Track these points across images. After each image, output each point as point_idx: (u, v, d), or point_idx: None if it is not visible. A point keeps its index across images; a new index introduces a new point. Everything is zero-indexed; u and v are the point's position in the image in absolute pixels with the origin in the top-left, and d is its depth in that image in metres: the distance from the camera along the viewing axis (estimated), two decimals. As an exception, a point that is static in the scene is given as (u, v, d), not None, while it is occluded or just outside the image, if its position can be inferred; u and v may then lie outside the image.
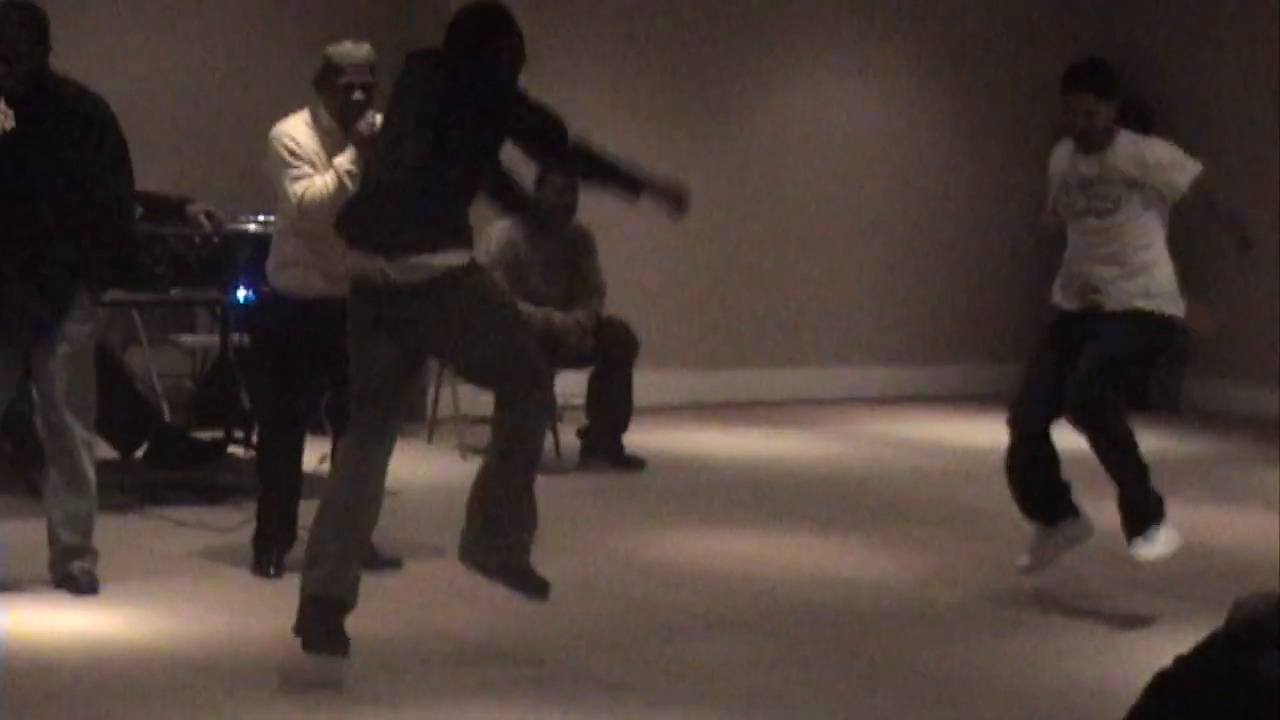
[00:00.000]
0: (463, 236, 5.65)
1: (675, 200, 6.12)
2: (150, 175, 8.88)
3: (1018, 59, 12.63)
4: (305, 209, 6.81)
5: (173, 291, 8.25)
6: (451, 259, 5.56)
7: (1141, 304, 6.68)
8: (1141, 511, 6.63)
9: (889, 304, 12.47)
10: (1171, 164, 6.74)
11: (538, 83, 10.89)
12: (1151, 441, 7.25)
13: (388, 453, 5.79)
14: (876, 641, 6.40)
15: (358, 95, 6.86)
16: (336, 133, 6.87)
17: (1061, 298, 6.88)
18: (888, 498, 8.98)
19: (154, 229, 8.13)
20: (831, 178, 12.12)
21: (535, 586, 5.87)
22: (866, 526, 8.30)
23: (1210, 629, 2.96)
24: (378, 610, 6.43)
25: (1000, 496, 6.95)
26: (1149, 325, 6.71)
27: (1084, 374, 6.58)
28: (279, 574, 6.85)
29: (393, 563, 7.10)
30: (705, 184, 11.68)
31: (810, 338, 12.16)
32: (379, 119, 6.45)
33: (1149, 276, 6.71)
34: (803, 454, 10.18)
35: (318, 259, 6.80)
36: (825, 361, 12.23)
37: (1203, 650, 2.86)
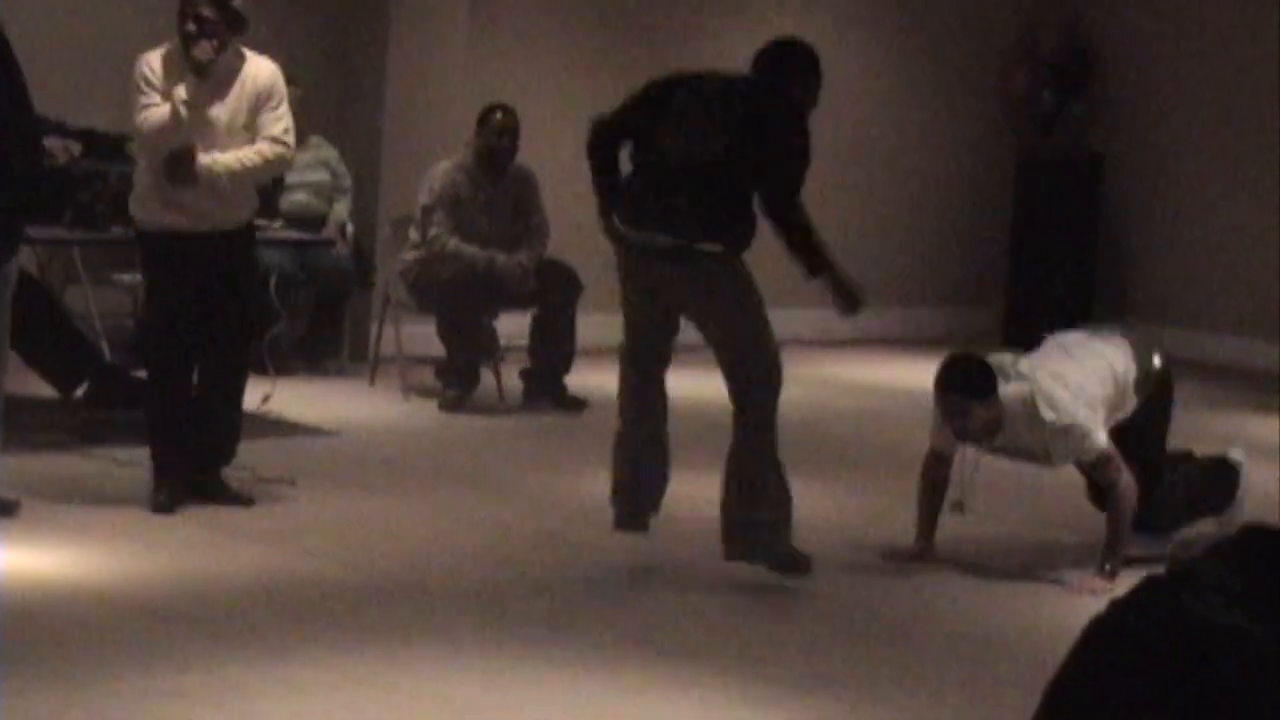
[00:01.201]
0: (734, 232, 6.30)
1: (848, 301, 6.73)
2: (92, 114, 8.73)
3: (966, 7, 12.53)
4: (143, 139, 6.91)
5: (113, 230, 8.09)
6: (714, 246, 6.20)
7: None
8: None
9: (843, 245, 12.30)
10: (1069, 447, 6.40)
11: (490, 41, 10.83)
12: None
13: (661, 393, 6.56)
14: (824, 583, 6.32)
15: (190, 27, 6.85)
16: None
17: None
18: (831, 440, 8.92)
19: (94, 167, 8.02)
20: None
21: (798, 566, 6.17)
22: (810, 469, 8.20)
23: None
24: (317, 550, 6.33)
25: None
26: None
27: None
28: (172, 511, 6.71)
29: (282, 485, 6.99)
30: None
31: (759, 278, 12.01)
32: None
33: None
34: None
35: (169, 193, 6.74)
36: (775, 302, 12.07)
37: (1138, 594, 2.80)
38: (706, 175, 6.09)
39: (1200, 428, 9.36)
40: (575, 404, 9.29)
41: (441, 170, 9.22)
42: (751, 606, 6.07)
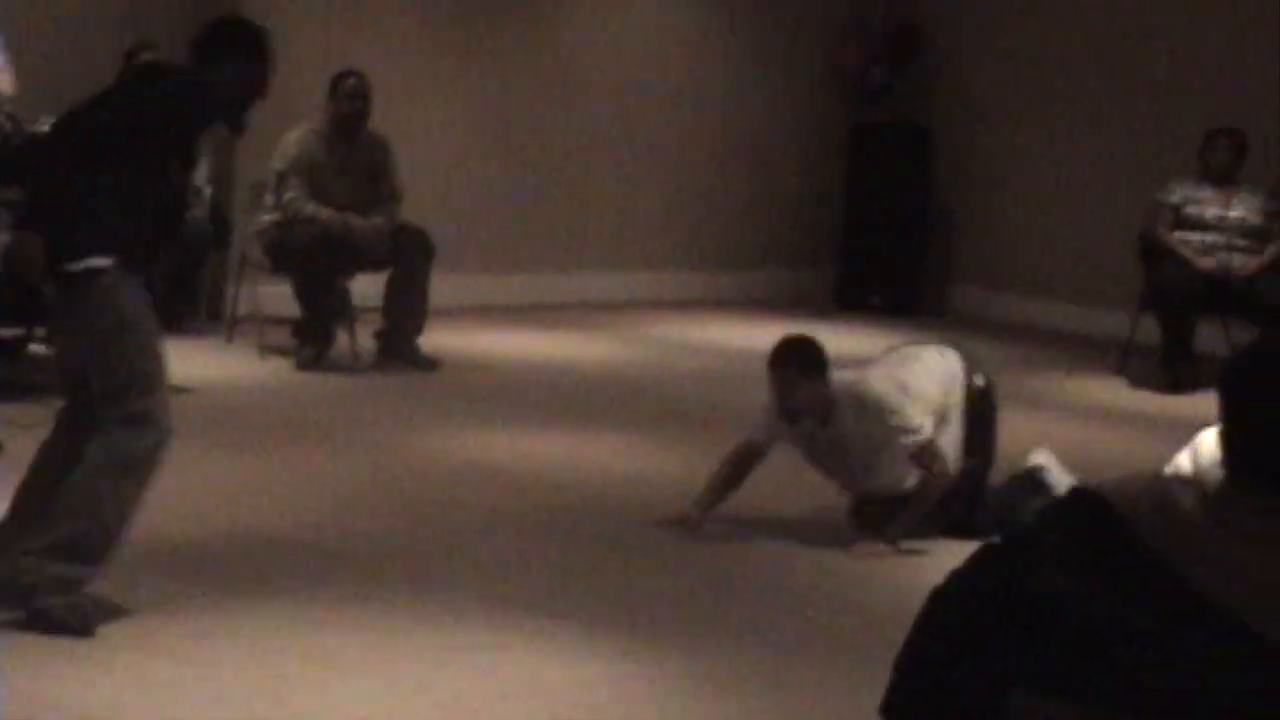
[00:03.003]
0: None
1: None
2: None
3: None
4: None
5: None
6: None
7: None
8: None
9: (679, 211, 12.42)
10: (893, 431, 6.32)
11: (342, 4, 10.73)
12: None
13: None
14: (668, 540, 6.35)
15: None
16: None
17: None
18: (675, 400, 8.96)
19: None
20: (626, 86, 12.01)
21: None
22: (655, 427, 8.26)
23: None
24: (176, 510, 6.26)
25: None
26: None
27: None
28: None
29: None
30: (499, 96, 11.54)
31: (602, 243, 12.08)
32: None
33: None
34: (593, 356, 10.12)
35: None
36: (616, 266, 12.16)
37: (976, 564, 2.83)
38: None
39: (1020, 388, 9.52)
40: (428, 364, 9.26)
41: (295, 136, 9.14)
42: (604, 558, 6.09)
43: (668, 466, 7.44)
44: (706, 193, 12.49)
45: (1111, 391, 9.84)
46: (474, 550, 6.10)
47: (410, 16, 11.12)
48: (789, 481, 6.81)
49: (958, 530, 6.33)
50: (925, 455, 6.34)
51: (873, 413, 6.32)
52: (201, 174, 9.95)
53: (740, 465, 6.52)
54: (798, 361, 6.33)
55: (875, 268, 12.47)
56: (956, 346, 6.73)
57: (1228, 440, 2.74)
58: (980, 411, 6.60)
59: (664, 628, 5.43)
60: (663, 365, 9.90)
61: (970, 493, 6.52)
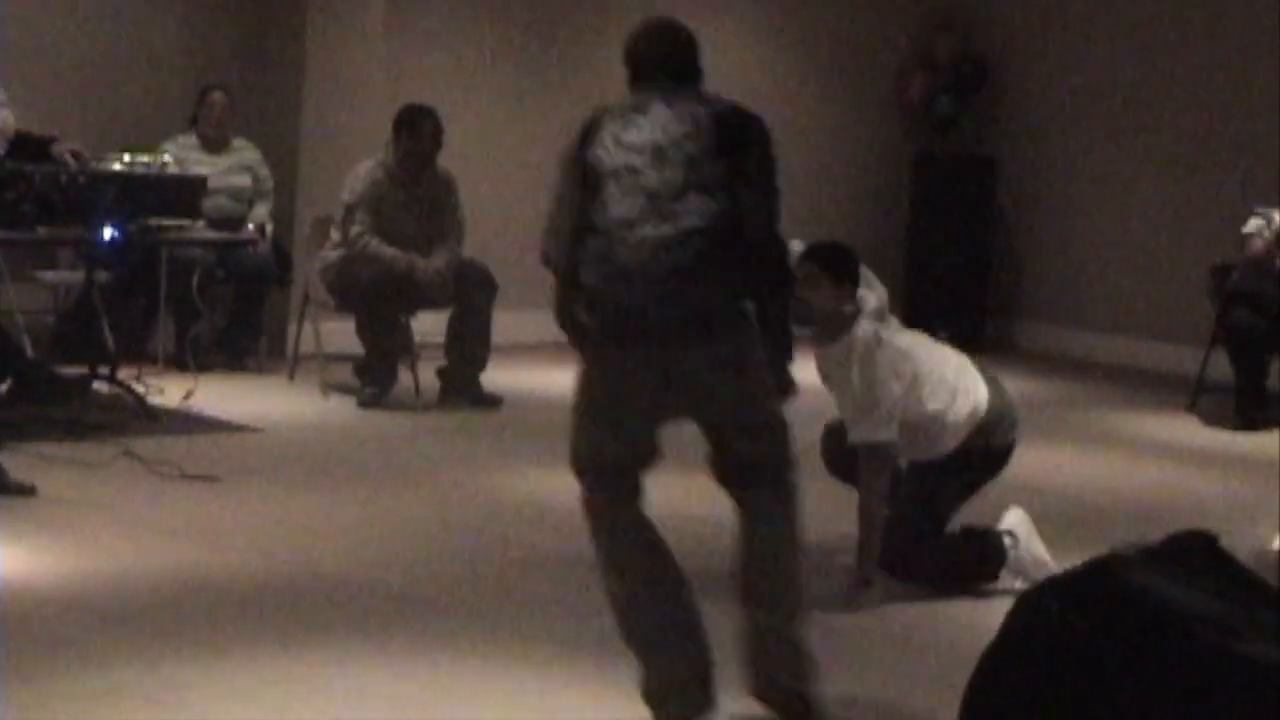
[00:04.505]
0: None
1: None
2: (17, 114, 8.66)
3: (865, 13, 12.62)
4: None
5: (38, 230, 8.06)
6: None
7: None
8: None
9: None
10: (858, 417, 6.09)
11: (408, 38, 10.80)
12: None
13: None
14: (727, 584, 6.33)
15: None
16: None
17: None
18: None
19: (19, 167, 7.98)
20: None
21: None
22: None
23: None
24: (242, 546, 6.31)
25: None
26: None
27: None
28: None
29: None
30: (558, 129, 11.52)
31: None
32: None
33: None
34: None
35: None
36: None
37: (1081, 570, 2.75)
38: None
39: (1089, 426, 9.51)
40: (491, 401, 9.31)
41: (364, 170, 9.21)
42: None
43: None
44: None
45: (1184, 429, 9.79)
46: (537, 592, 6.12)
47: (475, 47, 11.21)
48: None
49: (895, 568, 6.11)
50: (876, 463, 6.01)
51: (867, 371, 6.02)
52: (263, 211, 10.06)
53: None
54: (826, 260, 6.07)
55: (939, 302, 12.46)
56: (1001, 397, 6.28)
57: None
58: (982, 464, 6.23)
59: (721, 670, 5.44)
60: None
61: (917, 535, 6.17)
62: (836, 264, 6.12)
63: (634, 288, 4.73)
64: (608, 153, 4.82)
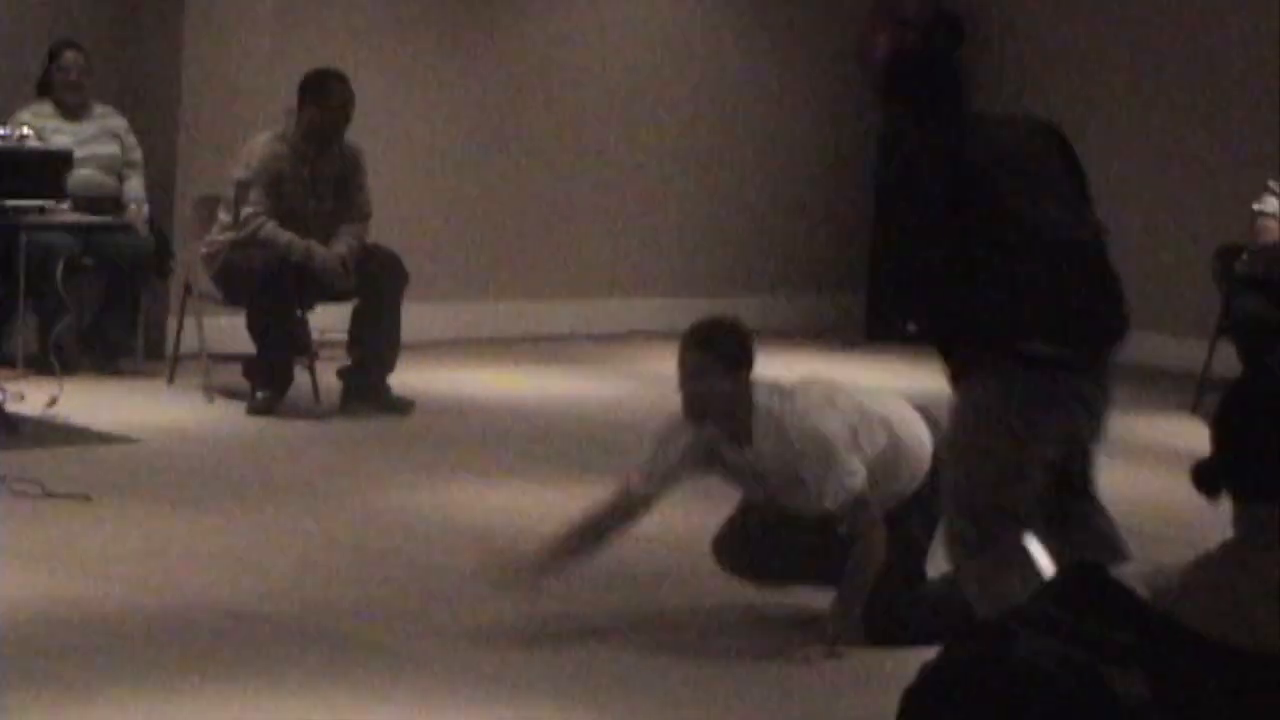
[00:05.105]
0: None
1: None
2: None
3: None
4: None
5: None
6: None
7: None
8: None
9: (683, 228, 12.46)
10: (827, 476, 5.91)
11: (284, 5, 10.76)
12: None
13: None
14: (665, 610, 6.37)
15: None
16: None
17: None
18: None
19: None
20: (620, 88, 12.07)
21: None
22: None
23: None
24: (117, 574, 6.28)
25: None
26: None
27: None
28: None
29: None
30: (477, 102, 11.59)
31: (594, 266, 12.12)
32: None
33: None
34: (585, 394, 10.15)
35: None
36: (611, 293, 12.20)
37: (969, 639, 2.96)
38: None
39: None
40: (400, 405, 9.29)
41: (262, 142, 9.16)
42: (592, 625, 6.10)
43: (670, 521, 7.43)
44: (715, 206, 12.54)
45: (1189, 433, 9.83)
46: (451, 620, 6.11)
47: (375, 10, 11.17)
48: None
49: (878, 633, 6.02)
50: (863, 514, 5.89)
51: (795, 439, 5.88)
52: (138, 186, 9.99)
53: (602, 529, 6.03)
54: (713, 347, 5.95)
55: (909, 297, 12.46)
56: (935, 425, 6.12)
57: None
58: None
59: (641, 706, 5.45)
60: (663, 405, 9.86)
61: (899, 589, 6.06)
62: (726, 352, 5.95)
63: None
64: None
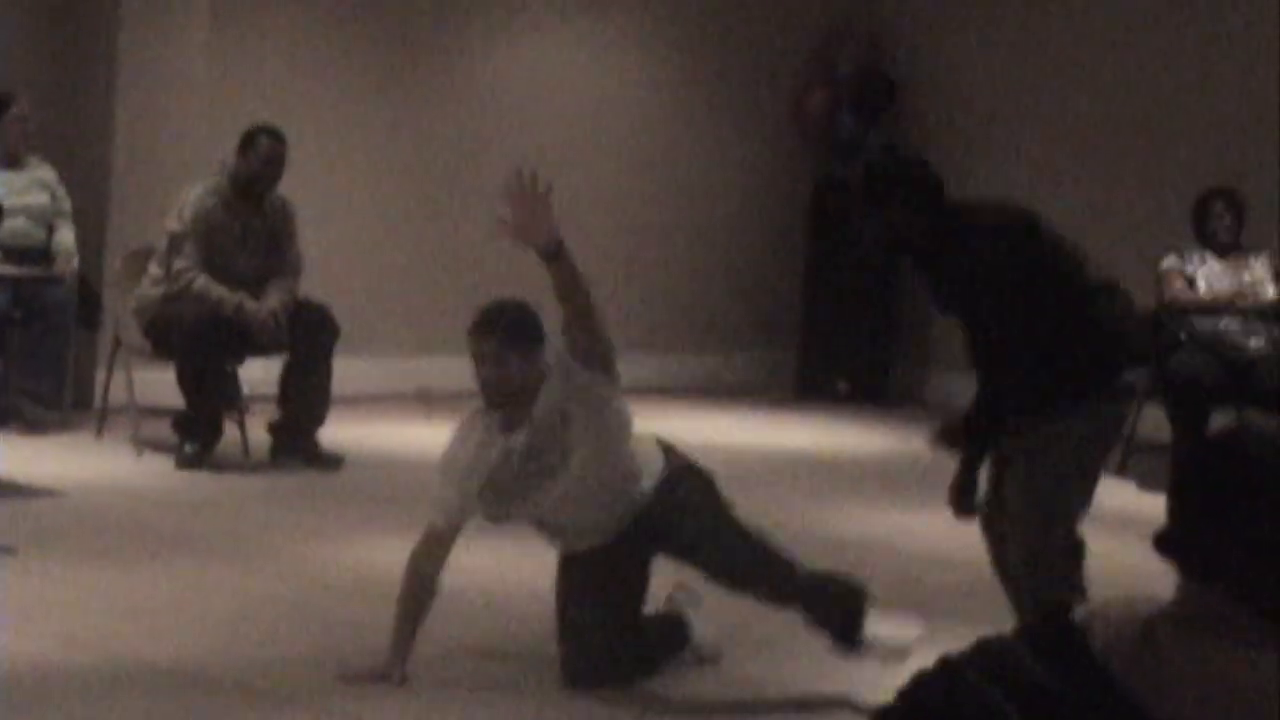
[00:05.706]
0: None
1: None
2: None
3: (758, 24, 12.72)
4: None
5: None
6: None
7: None
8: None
9: (617, 283, 12.44)
10: None
11: (235, 50, 10.75)
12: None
13: None
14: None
15: None
16: None
17: None
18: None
19: None
20: (556, 143, 12.08)
21: None
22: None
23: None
24: (37, 634, 6.24)
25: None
26: None
27: None
28: None
29: None
30: (408, 158, 11.60)
31: (526, 322, 12.10)
32: None
33: None
34: (518, 451, 10.13)
35: None
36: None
37: (929, 673, 2.91)
38: None
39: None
40: (330, 460, 9.27)
41: (195, 195, 9.17)
42: (536, 687, 6.09)
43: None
44: (649, 263, 12.56)
45: (1118, 495, 9.87)
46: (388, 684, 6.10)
47: (311, 62, 11.18)
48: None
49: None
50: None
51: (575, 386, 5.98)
52: (69, 237, 9.95)
53: (424, 584, 6.06)
54: (505, 329, 6.07)
55: (841, 349, 12.53)
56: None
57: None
58: None
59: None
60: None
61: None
62: (518, 334, 6.07)
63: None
64: None
